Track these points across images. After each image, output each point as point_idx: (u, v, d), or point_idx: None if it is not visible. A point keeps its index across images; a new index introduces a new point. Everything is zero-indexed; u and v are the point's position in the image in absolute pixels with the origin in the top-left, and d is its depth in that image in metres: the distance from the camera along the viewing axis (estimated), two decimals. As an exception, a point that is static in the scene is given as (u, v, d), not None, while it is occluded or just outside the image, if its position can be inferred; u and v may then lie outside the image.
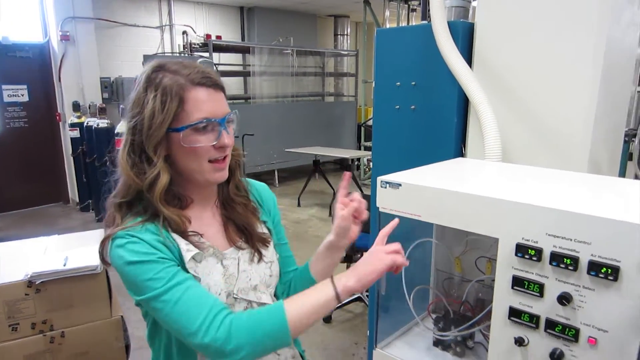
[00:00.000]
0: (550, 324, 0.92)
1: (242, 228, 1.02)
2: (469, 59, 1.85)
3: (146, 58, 6.15)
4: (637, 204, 1.02)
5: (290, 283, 1.14)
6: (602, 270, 0.84)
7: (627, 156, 3.81)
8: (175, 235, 0.92)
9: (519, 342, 0.96)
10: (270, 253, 1.06)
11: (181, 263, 0.91)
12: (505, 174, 1.32)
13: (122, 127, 4.90)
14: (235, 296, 0.96)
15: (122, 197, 0.93)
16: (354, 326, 3.32)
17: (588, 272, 0.86)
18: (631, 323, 0.82)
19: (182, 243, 0.92)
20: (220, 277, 0.95)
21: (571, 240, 0.88)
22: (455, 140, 1.96)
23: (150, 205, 0.91)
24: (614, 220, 0.84)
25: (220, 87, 0.94)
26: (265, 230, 1.08)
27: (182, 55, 7.32)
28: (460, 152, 1.96)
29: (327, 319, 3.35)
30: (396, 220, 1.03)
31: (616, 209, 0.92)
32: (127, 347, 2.12)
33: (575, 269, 0.87)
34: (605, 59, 1.56)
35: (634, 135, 3.82)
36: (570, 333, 0.90)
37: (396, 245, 0.95)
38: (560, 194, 1.08)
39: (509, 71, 1.76)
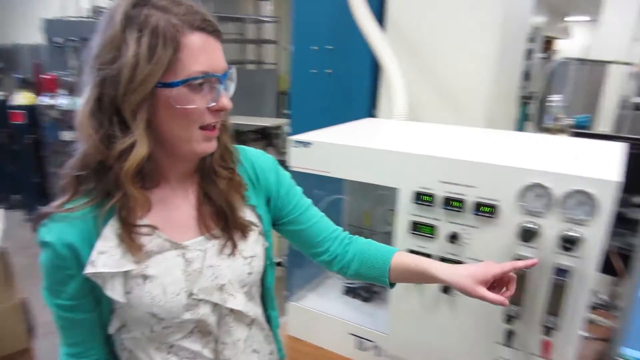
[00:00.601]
0: (442, 261, 1.01)
1: (221, 209, 0.82)
2: (382, 22, 1.90)
3: (46, 23, 5.62)
4: (518, 150, 1.14)
5: (344, 252, 0.94)
6: (484, 210, 0.95)
7: (525, 117, 4.17)
8: (107, 232, 0.73)
9: (417, 280, 1.05)
10: (250, 246, 0.85)
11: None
12: (409, 131, 1.40)
13: (20, 98, 4.49)
14: (195, 297, 0.78)
15: (79, 170, 0.73)
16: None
17: (473, 212, 0.96)
18: (505, 251, 0.94)
19: (102, 247, 0.73)
20: (181, 274, 0.77)
21: (459, 185, 0.98)
22: (369, 102, 2.03)
23: (106, 181, 0.72)
24: (494, 164, 0.94)
25: (220, 36, 0.75)
26: (252, 217, 0.86)
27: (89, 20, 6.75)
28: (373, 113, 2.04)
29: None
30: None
31: (498, 155, 1.03)
32: (31, 331, 2.02)
33: (463, 210, 0.97)
34: (502, 22, 1.69)
35: (531, 98, 4.18)
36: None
37: None
38: (454, 146, 1.18)
39: (418, 34, 1.84)
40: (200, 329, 0.81)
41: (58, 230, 0.72)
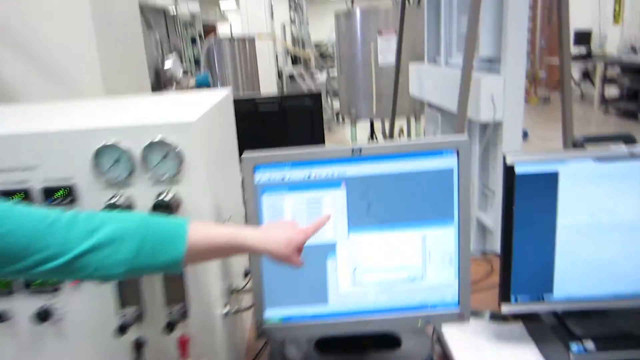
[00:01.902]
0: (28, 285, 0.73)
1: None
2: None
3: None
4: (96, 114, 0.89)
5: (93, 245, 0.56)
6: (58, 195, 0.69)
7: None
8: None
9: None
10: None
11: None
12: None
13: None
14: None
15: None
16: None
17: (46, 203, 0.69)
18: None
19: None
20: None
21: (17, 170, 0.69)
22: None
23: None
24: (62, 131, 0.69)
25: None
26: None
27: None
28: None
29: None
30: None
31: (64, 122, 0.78)
32: None
33: (30, 202, 0.69)
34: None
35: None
36: (51, 283, 0.73)
37: None
38: (23, 121, 0.86)
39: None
40: None
41: None
